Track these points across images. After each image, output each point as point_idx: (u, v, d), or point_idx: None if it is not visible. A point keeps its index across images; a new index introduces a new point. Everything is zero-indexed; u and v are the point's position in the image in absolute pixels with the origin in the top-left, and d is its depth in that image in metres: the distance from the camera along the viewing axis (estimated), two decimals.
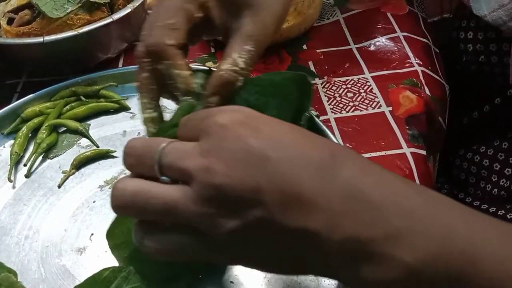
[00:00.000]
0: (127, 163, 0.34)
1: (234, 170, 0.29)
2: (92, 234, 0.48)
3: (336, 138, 0.54)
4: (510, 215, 0.61)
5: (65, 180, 0.53)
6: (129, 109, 0.61)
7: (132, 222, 0.35)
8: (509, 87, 0.62)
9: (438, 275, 0.28)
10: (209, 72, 0.40)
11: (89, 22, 0.64)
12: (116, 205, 0.32)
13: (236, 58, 0.39)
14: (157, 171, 0.31)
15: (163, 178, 0.31)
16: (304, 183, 0.29)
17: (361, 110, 0.60)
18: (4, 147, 0.57)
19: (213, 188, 0.29)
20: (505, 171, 0.64)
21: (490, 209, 0.63)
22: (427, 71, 0.66)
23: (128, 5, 0.66)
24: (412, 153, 0.55)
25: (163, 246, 0.32)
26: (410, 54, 0.68)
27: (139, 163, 0.33)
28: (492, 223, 0.31)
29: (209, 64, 0.68)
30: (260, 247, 0.31)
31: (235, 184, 0.29)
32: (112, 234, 0.40)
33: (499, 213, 0.62)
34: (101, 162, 0.55)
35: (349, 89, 0.63)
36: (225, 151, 0.30)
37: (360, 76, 0.65)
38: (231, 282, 0.43)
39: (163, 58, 0.39)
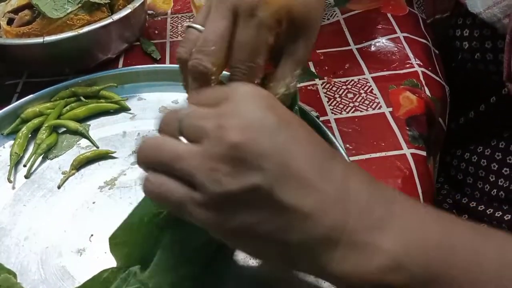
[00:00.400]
0: (158, 128, 0.36)
1: (245, 133, 0.31)
2: (92, 235, 0.48)
3: (336, 139, 0.54)
4: (508, 216, 0.61)
5: (65, 181, 0.53)
6: (129, 109, 0.61)
7: (137, 229, 0.39)
8: (504, 85, 0.62)
9: (417, 265, 0.30)
10: None
11: (89, 23, 0.64)
12: (138, 155, 0.36)
13: (288, 82, 0.41)
14: (177, 131, 0.34)
15: (181, 138, 0.33)
16: (307, 164, 0.31)
17: (361, 111, 0.60)
18: (3, 147, 0.57)
19: (221, 144, 0.31)
20: (503, 171, 0.64)
21: (487, 211, 0.63)
22: (427, 72, 0.66)
23: (128, 6, 0.66)
24: (412, 154, 0.55)
25: (158, 186, 0.34)
26: (410, 55, 0.68)
27: (166, 126, 0.35)
28: (464, 223, 0.34)
29: None
30: (248, 217, 0.31)
31: (242, 145, 0.31)
32: (114, 236, 0.41)
33: (496, 214, 0.62)
34: (101, 163, 0.55)
35: (349, 90, 0.63)
36: (241, 115, 0.32)
37: (360, 77, 0.65)
38: None
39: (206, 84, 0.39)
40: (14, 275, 0.44)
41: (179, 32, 0.75)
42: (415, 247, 0.31)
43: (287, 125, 0.32)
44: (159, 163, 0.34)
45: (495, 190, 0.64)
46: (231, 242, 0.35)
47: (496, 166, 0.64)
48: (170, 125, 0.35)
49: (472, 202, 0.66)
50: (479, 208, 0.65)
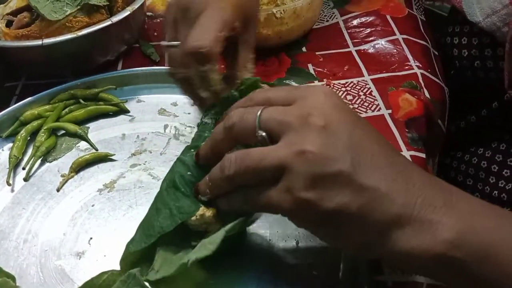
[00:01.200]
0: (224, 134, 0.39)
1: (328, 121, 0.35)
2: (91, 238, 0.48)
3: None
4: None
5: (64, 184, 0.53)
6: (128, 112, 0.61)
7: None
8: (505, 91, 0.62)
9: (475, 243, 0.34)
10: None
11: (88, 25, 0.64)
12: (235, 174, 0.37)
13: (249, 66, 0.49)
14: (256, 125, 0.36)
15: (260, 132, 0.36)
16: (379, 155, 0.36)
17: (360, 113, 0.60)
18: (2, 150, 0.57)
19: (308, 129, 0.34)
20: (503, 173, 0.64)
21: None
22: (426, 73, 0.66)
23: (127, 8, 0.66)
24: (411, 156, 0.55)
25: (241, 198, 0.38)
26: (410, 57, 0.68)
27: (241, 121, 0.37)
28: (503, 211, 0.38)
29: None
30: (335, 198, 0.34)
31: (328, 130, 0.34)
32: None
33: None
34: (100, 165, 0.55)
35: (349, 92, 0.63)
36: (322, 109, 0.35)
37: (359, 79, 0.65)
38: None
39: (207, 61, 0.44)
40: (13, 278, 0.44)
41: None
42: (473, 228, 0.35)
43: (359, 121, 0.37)
44: (246, 169, 0.36)
45: (496, 192, 0.64)
46: (314, 228, 0.37)
47: (497, 168, 0.64)
48: (247, 120, 0.37)
49: None
50: None
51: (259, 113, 0.36)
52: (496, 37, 0.61)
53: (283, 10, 0.66)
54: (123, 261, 0.42)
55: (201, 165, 0.41)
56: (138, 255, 0.42)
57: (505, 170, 0.63)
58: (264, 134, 0.36)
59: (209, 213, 0.40)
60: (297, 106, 0.36)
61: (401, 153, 0.55)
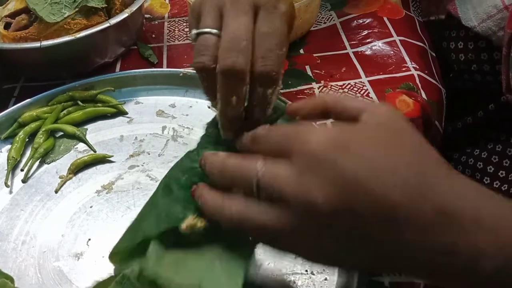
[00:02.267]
0: (221, 182, 0.37)
1: (330, 198, 0.31)
2: (89, 239, 0.48)
3: None
4: None
5: (62, 185, 0.53)
6: (126, 113, 0.61)
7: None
8: (502, 93, 0.62)
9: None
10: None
11: (86, 27, 0.64)
12: (225, 225, 0.36)
13: (278, 88, 0.43)
14: (255, 194, 0.34)
15: (262, 198, 0.34)
16: (397, 205, 0.31)
17: None
18: (1, 152, 0.57)
19: (311, 212, 0.32)
20: (499, 174, 0.64)
21: None
22: (423, 75, 0.66)
23: (125, 10, 0.66)
24: None
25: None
26: (407, 58, 0.68)
27: (235, 184, 0.36)
28: None
29: None
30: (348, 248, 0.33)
31: (331, 210, 0.31)
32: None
33: None
34: (98, 167, 0.55)
35: (346, 94, 0.63)
36: (319, 175, 0.32)
37: (356, 80, 0.65)
38: None
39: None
40: (12, 279, 0.44)
41: (176, 36, 0.75)
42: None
43: (367, 166, 0.32)
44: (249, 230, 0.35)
45: None
46: (324, 255, 0.35)
47: (493, 169, 0.65)
48: (241, 185, 0.35)
49: None
50: None
51: (255, 181, 0.34)
52: (492, 41, 0.61)
53: None
54: (111, 258, 0.41)
55: (198, 172, 0.40)
56: (127, 252, 0.40)
57: (500, 171, 0.64)
58: (264, 198, 0.34)
59: (200, 223, 0.38)
60: (293, 169, 0.33)
61: None
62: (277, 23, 0.39)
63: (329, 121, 0.40)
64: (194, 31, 0.40)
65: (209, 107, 0.61)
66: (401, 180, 0.31)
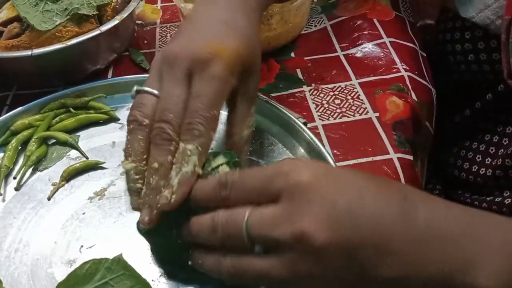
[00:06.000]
0: (212, 240, 0.37)
1: (325, 232, 0.31)
2: (82, 246, 0.48)
3: (324, 145, 0.54)
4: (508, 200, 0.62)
5: (54, 192, 0.53)
6: (118, 119, 0.61)
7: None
8: (499, 82, 0.63)
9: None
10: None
11: (78, 34, 0.64)
12: (229, 282, 0.37)
13: (249, 122, 0.46)
14: (248, 246, 0.34)
15: (256, 249, 0.34)
16: (391, 233, 0.32)
17: (348, 117, 0.61)
18: None
19: (308, 252, 0.32)
20: (495, 162, 0.65)
21: (482, 205, 0.65)
22: (413, 76, 0.67)
23: (116, 17, 0.66)
24: (399, 158, 0.56)
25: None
26: (397, 60, 0.68)
27: (227, 239, 0.36)
28: None
29: None
30: None
31: (329, 246, 0.31)
32: None
33: (497, 199, 0.63)
34: (91, 173, 0.55)
35: (337, 96, 0.64)
36: (313, 214, 0.32)
37: (347, 83, 0.66)
38: None
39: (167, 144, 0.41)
40: (0, 281, 0.44)
41: (168, 42, 0.76)
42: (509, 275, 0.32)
43: (359, 201, 0.33)
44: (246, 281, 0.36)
45: (484, 178, 0.65)
46: None
47: (490, 160, 0.66)
48: (233, 239, 0.35)
49: (467, 199, 0.67)
50: (474, 204, 0.66)
51: (245, 232, 0.34)
52: (490, 30, 0.62)
53: (271, 16, 0.66)
54: None
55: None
56: None
57: (496, 160, 0.64)
58: (258, 249, 0.35)
59: None
60: (284, 211, 0.33)
61: (389, 156, 0.56)
62: (206, 85, 0.41)
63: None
64: (134, 88, 0.44)
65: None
66: (394, 213, 0.33)
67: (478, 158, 0.67)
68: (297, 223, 0.32)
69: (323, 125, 0.60)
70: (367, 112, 0.61)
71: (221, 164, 0.41)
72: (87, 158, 0.57)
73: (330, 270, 0.32)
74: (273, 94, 0.64)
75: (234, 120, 0.45)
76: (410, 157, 0.57)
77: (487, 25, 0.62)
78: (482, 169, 0.66)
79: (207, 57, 0.41)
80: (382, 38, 0.72)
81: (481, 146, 0.68)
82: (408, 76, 0.66)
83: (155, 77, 0.44)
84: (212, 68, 0.41)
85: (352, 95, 0.64)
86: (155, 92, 0.43)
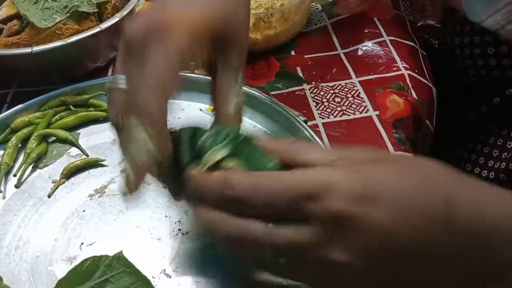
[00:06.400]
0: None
1: (363, 256, 0.30)
2: (82, 243, 0.48)
3: (324, 143, 0.54)
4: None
5: (55, 190, 0.53)
6: None
7: None
8: (507, 86, 0.62)
9: None
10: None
11: (77, 32, 0.64)
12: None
13: (234, 99, 0.40)
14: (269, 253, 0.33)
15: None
16: (435, 246, 0.31)
17: (348, 115, 0.61)
18: None
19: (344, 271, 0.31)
20: (496, 166, 0.64)
21: None
22: (414, 74, 0.67)
23: (116, 14, 0.66)
24: None
25: None
26: (397, 58, 0.68)
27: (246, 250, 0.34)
28: None
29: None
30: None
31: (365, 265, 0.31)
32: None
33: None
34: (91, 171, 0.55)
35: (337, 94, 0.64)
36: (353, 245, 0.30)
37: (347, 81, 0.66)
38: None
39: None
40: (0, 278, 0.44)
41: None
42: None
43: (400, 219, 0.31)
44: None
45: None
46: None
47: (493, 162, 0.66)
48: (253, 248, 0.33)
49: None
50: None
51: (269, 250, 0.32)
52: (500, 35, 0.62)
53: (271, 14, 0.66)
54: None
55: None
56: None
57: (500, 163, 0.64)
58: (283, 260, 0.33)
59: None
60: (319, 238, 0.31)
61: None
62: (156, 62, 0.36)
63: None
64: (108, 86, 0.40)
65: (201, 110, 0.61)
66: (435, 224, 0.31)
67: (481, 160, 0.67)
68: (336, 252, 0.31)
69: (323, 123, 0.60)
70: (368, 110, 0.61)
71: (223, 159, 0.36)
72: (87, 155, 0.57)
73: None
74: (273, 92, 0.64)
75: (215, 91, 0.41)
76: (410, 155, 0.57)
77: (497, 29, 0.61)
78: (484, 171, 0.66)
79: (160, 27, 0.36)
80: (382, 36, 0.72)
81: (484, 149, 0.67)
82: (408, 74, 0.66)
83: (121, 64, 0.39)
84: (165, 39, 0.36)
85: (352, 93, 0.64)
86: (122, 88, 0.38)
